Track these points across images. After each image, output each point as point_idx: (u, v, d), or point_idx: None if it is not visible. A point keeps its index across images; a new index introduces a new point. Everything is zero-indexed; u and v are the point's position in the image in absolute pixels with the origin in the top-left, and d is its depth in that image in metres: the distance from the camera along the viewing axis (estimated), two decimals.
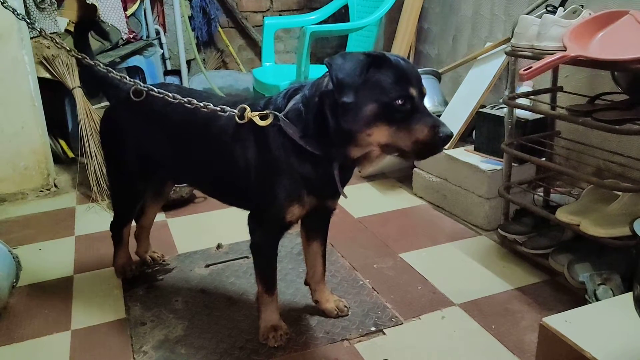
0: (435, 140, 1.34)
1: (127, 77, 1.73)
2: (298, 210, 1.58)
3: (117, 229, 2.10)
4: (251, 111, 1.54)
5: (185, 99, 1.63)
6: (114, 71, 1.74)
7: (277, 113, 1.52)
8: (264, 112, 1.53)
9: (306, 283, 1.92)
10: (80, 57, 1.82)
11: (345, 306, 1.89)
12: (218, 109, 1.59)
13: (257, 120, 1.53)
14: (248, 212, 1.69)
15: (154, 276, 2.15)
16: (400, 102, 1.34)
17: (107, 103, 2.04)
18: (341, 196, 1.61)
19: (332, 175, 1.53)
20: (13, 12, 1.76)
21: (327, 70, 1.38)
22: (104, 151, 2.10)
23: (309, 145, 1.49)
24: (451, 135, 1.34)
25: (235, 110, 1.56)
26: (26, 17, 1.89)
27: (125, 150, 1.90)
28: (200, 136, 1.71)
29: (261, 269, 1.73)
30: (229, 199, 1.85)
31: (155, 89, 1.68)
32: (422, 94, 1.40)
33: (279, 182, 1.54)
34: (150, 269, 2.21)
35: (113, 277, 2.15)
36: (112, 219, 2.10)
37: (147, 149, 1.86)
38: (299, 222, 1.70)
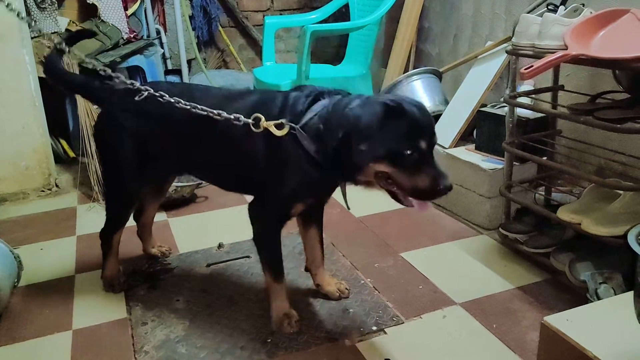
0: (435, 191, 1.42)
1: (107, 69, 1.69)
2: (301, 207, 1.69)
3: (108, 236, 2.03)
4: (267, 112, 1.56)
5: (200, 107, 1.60)
6: (114, 73, 1.71)
7: (294, 125, 1.53)
8: (280, 121, 1.54)
9: (306, 269, 1.97)
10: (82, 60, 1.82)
11: (346, 288, 1.95)
12: (232, 117, 1.57)
13: (273, 129, 1.53)
14: (248, 205, 1.72)
15: (155, 276, 2.15)
16: (409, 152, 1.41)
17: None
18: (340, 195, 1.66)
19: (336, 183, 1.65)
20: (17, 15, 1.75)
21: (345, 119, 1.44)
22: (100, 156, 2.08)
23: (322, 160, 1.54)
24: (450, 187, 1.41)
25: (250, 120, 1.55)
26: (30, 21, 1.88)
27: (123, 154, 1.86)
28: (207, 130, 1.69)
29: (267, 258, 1.76)
30: (235, 186, 1.89)
31: (158, 93, 1.66)
32: (431, 145, 1.46)
33: (290, 179, 1.60)
34: (152, 268, 2.21)
35: None
36: (102, 227, 2.03)
37: (147, 148, 1.83)
38: None
